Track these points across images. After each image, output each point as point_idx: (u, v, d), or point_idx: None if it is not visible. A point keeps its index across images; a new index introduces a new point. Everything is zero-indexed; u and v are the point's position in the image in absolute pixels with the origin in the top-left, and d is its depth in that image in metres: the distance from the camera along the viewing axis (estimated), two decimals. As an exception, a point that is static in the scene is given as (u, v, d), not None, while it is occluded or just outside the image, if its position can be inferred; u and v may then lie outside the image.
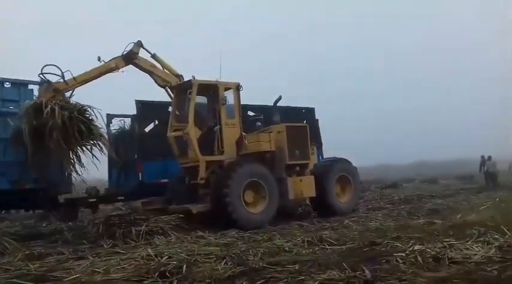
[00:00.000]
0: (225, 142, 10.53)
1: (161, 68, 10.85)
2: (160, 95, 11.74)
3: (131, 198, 14.02)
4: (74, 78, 9.72)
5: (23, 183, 10.46)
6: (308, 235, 7.59)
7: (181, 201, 10.41)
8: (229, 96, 10.89)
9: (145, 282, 5.08)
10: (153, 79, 10.80)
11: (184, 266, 5.56)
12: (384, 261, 5.35)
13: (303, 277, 4.77)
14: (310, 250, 6.61)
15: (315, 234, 7.74)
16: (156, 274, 5.29)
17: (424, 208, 11.61)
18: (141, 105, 13.26)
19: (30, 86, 10.97)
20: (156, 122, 13.67)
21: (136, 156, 13.36)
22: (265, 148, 10.99)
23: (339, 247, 6.69)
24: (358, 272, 4.79)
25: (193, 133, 10.22)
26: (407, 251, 5.63)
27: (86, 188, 14.44)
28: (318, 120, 16.29)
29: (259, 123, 12.33)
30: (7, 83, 10.74)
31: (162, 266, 5.58)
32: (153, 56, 10.80)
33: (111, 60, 10.28)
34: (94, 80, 10.17)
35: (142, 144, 13.22)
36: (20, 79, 10.93)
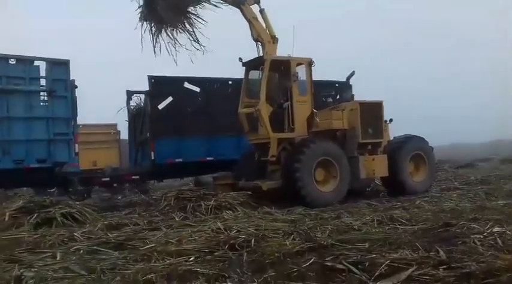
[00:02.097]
0: (295, 120, 10.38)
1: (262, 24, 10.86)
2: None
3: (146, 178, 14.18)
4: None
5: (28, 163, 10.59)
6: (378, 214, 7.41)
7: (250, 177, 10.52)
8: (301, 72, 10.73)
9: (216, 253, 5.21)
10: (250, 30, 10.84)
11: (253, 240, 5.65)
12: (459, 242, 5.07)
13: (374, 256, 4.64)
14: (380, 229, 6.44)
15: (385, 213, 7.53)
16: (226, 247, 5.42)
17: (504, 189, 10.91)
18: (154, 80, 12.92)
19: (36, 63, 10.91)
20: (171, 98, 13.16)
21: (148, 134, 13.08)
22: (337, 126, 10.79)
23: (410, 227, 6.44)
24: (432, 253, 4.59)
25: (265, 110, 10.15)
26: (485, 233, 5.32)
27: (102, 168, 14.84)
28: (353, 95, 14.95)
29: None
30: (12, 60, 10.62)
31: (231, 239, 5.70)
32: (261, 11, 10.87)
33: None
34: None
35: (155, 121, 12.89)
36: (26, 56, 10.79)
